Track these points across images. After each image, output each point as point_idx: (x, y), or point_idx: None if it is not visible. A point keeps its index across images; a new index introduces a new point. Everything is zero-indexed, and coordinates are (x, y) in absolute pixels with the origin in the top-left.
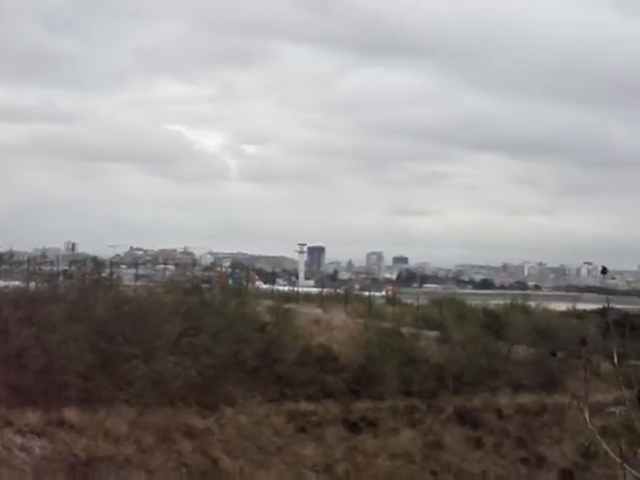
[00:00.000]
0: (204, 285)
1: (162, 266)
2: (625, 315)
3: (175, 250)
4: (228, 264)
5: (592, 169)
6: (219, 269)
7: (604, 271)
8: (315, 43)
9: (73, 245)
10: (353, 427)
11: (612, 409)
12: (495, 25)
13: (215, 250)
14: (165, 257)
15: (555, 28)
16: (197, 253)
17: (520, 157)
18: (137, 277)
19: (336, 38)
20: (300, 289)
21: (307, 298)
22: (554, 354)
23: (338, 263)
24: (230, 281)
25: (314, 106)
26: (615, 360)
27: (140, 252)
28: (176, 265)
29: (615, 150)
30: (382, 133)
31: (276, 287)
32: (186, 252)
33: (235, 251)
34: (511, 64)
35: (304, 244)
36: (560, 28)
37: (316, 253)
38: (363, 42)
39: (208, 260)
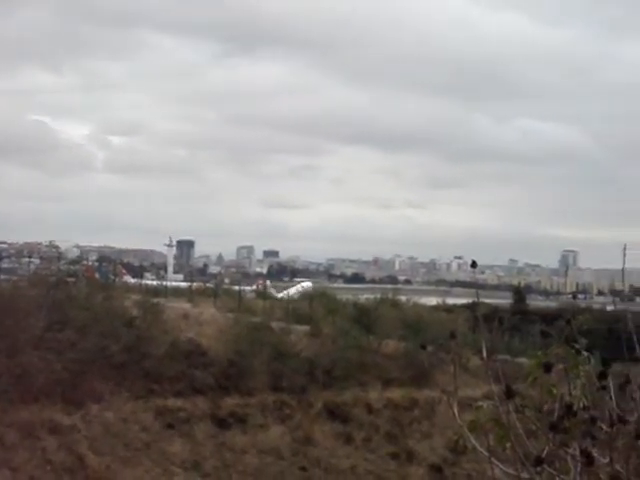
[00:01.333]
0: (70, 279)
1: (27, 259)
2: (494, 309)
3: (40, 243)
4: (95, 258)
5: (459, 162)
6: (85, 263)
7: (473, 265)
8: (184, 33)
9: None
10: (222, 423)
11: (480, 404)
12: (364, 18)
13: (81, 243)
14: (30, 250)
15: (423, 22)
16: (63, 246)
17: (389, 150)
18: (1, 271)
19: (206, 28)
20: (169, 283)
21: (176, 292)
22: (423, 347)
23: (208, 257)
24: (97, 275)
25: (184, 97)
26: (484, 354)
27: (4, 245)
28: (41, 259)
29: (480, 143)
30: (252, 125)
31: (144, 281)
32: (52, 245)
33: (102, 244)
34: (380, 57)
35: (173, 238)
36: (427, 22)
37: (185, 247)
38: (233, 32)
39: (74, 253)
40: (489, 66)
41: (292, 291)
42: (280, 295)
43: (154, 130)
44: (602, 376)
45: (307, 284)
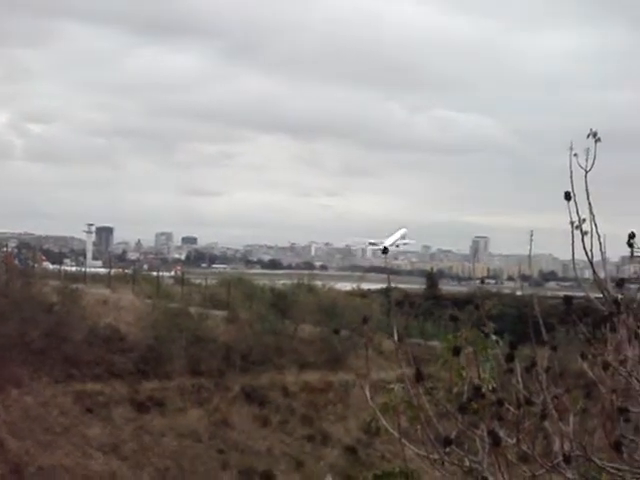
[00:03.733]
0: None
1: None
2: (407, 294)
3: None
4: (14, 245)
5: (374, 151)
6: (5, 250)
7: (385, 251)
8: (102, 22)
9: None
10: (140, 407)
11: (392, 386)
12: (280, 8)
13: (1, 230)
14: None
15: (339, 12)
16: None
17: (305, 139)
18: None
19: (124, 18)
20: (88, 269)
21: (95, 278)
22: (337, 332)
23: (127, 243)
24: (16, 262)
25: (101, 86)
26: (396, 338)
27: None
28: None
29: (395, 132)
30: (170, 114)
31: (63, 267)
32: None
33: (22, 231)
34: (296, 47)
35: (92, 224)
36: (343, 12)
37: (104, 233)
38: (150, 22)
39: None
40: (406, 57)
41: (393, 238)
42: (380, 246)
43: (73, 118)
44: (509, 359)
45: (404, 230)
